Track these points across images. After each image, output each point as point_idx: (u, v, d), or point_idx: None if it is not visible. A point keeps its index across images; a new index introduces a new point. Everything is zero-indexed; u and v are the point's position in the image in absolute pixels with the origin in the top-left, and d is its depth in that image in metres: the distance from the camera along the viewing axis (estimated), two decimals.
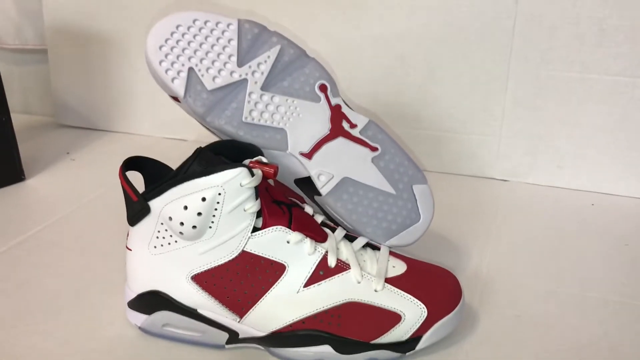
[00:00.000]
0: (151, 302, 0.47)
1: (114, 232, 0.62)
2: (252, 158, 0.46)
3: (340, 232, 0.49)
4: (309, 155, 0.51)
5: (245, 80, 0.49)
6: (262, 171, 0.45)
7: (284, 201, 0.48)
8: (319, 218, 0.49)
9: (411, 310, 0.46)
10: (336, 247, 0.47)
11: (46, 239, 0.64)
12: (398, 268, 0.48)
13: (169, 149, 0.84)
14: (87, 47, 0.91)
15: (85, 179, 0.79)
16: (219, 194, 0.43)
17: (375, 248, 0.50)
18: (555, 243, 0.65)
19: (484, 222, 0.69)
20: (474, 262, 0.60)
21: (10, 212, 0.70)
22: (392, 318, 0.45)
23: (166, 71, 0.48)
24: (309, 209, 0.50)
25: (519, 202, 0.74)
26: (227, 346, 0.48)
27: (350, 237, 0.50)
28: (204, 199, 0.43)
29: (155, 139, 0.91)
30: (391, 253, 0.50)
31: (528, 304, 0.54)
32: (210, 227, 0.44)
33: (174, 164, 0.48)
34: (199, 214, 0.43)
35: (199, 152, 0.46)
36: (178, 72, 0.48)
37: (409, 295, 0.46)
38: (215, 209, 0.44)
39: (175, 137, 0.91)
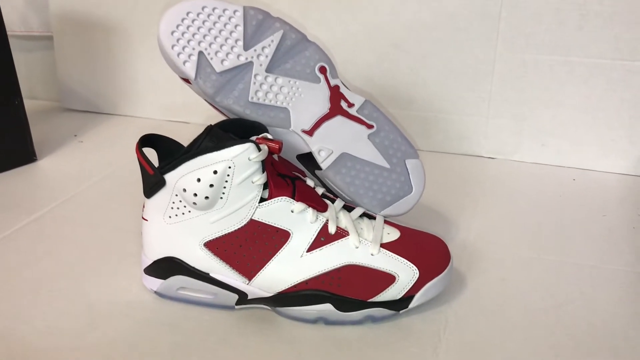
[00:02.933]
0: (166, 267, 0.51)
1: (125, 207, 0.66)
2: (259, 135, 0.49)
3: (339, 203, 0.52)
4: (310, 132, 0.54)
5: (251, 63, 0.52)
6: (268, 146, 0.48)
7: (288, 174, 0.51)
8: (320, 190, 0.53)
9: (404, 272, 0.49)
10: (336, 216, 0.50)
11: (61, 215, 0.67)
12: (392, 235, 0.51)
13: (172, 131, 0.84)
14: (91, 34, 0.93)
15: (94, 160, 0.81)
16: (229, 167, 0.46)
17: (371, 217, 0.53)
18: (538, 215, 0.68)
19: (472, 197, 0.72)
20: (462, 232, 0.64)
21: (25, 191, 0.72)
22: (387, 279, 0.49)
23: (178, 55, 0.51)
24: (310, 182, 0.53)
25: (505, 178, 0.77)
26: (236, 307, 0.51)
27: (348, 207, 0.53)
28: (215, 172, 0.46)
29: (158, 122, 0.94)
30: (386, 222, 0.53)
31: (511, 269, 0.58)
32: (221, 197, 0.47)
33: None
34: (211, 185, 0.47)
35: (209, 129, 0.49)
36: (189, 56, 0.51)
37: (402, 259, 0.49)
38: (226, 181, 0.47)
39: (177, 119, 0.93)
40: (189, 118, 0.93)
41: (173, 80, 0.58)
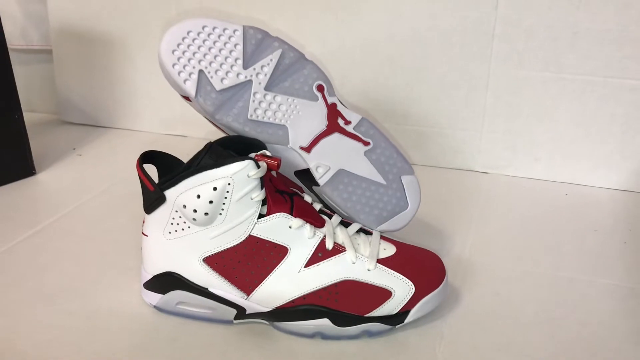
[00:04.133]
0: (166, 282, 0.51)
1: (124, 221, 0.66)
2: (257, 152, 0.50)
3: (336, 219, 0.53)
4: (308, 149, 0.54)
5: (250, 81, 0.53)
6: (267, 163, 0.49)
7: (286, 190, 0.52)
8: (317, 206, 0.53)
9: (400, 287, 0.50)
10: (333, 231, 0.51)
11: (61, 228, 0.66)
12: (388, 250, 0.52)
13: (170, 145, 0.84)
14: (90, 48, 0.92)
15: (93, 173, 0.80)
16: (229, 184, 0.47)
17: (368, 233, 0.54)
18: (531, 229, 0.69)
19: (466, 211, 0.72)
20: (457, 246, 0.64)
21: (25, 204, 0.72)
22: (383, 294, 0.49)
23: (179, 73, 0.51)
24: (308, 198, 0.53)
25: (498, 193, 0.77)
26: (235, 321, 0.51)
27: (345, 223, 0.54)
28: (215, 189, 0.47)
29: (157, 135, 0.94)
30: (382, 237, 0.54)
31: (505, 283, 0.58)
32: (220, 213, 0.48)
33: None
34: (211, 202, 0.47)
35: (209, 146, 0.50)
36: (189, 74, 0.51)
37: (398, 274, 0.50)
38: (225, 197, 0.47)
39: (175, 133, 0.93)
40: (187, 132, 0.93)
41: (172, 94, 0.57)
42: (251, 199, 0.48)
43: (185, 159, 0.51)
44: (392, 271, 0.50)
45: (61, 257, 0.61)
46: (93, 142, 0.91)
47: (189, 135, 0.93)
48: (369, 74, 0.82)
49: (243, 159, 0.47)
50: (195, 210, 0.48)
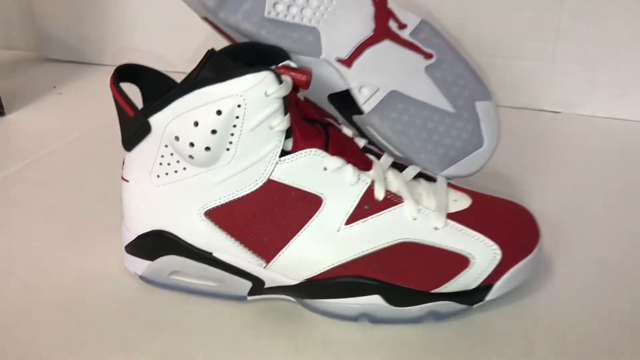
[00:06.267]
0: (155, 244, 0.41)
1: (108, 170, 0.55)
2: (278, 64, 0.39)
3: (386, 159, 0.42)
4: (347, 61, 0.44)
5: None
6: (292, 78, 0.38)
7: (319, 119, 0.40)
8: (361, 142, 0.42)
9: (481, 252, 0.38)
10: (384, 176, 0.40)
11: (28, 178, 0.59)
12: (461, 202, 0.41)
13: None
14: None
15: (73, 114, 0.73)
16: (239, 105, 0.36)
17: (430, 179, 0.43)
18: (623, 180, 0.58)
19: (539, 160, 0.62)
20: (536, 201, 0.53)
21: None
22: (458, 262, 0.38)
23: None
24: (347, 131, 0.42)
25: (574, 136, 0.68)
26: (249, 298, 0.42)
27: (399, 166, 0.43)
28: (219, 112, 0.36)
29: None
30: (449, 185, 0.42)
31: (609, 247, 0.48)
32: (227, 149, 0.37)
33: None
34: (214, 131, 0.36)
35: (210, 54, 0.39)
36: None
37: (478, 234, 0.39)
38: (234, 126, 0.36)
39: (173, 70, 0.84)
40: (188, 69, 0.83)
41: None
42: (270, 128, 0.37)
43: None
44: (469, 230, 0.39)
45: (24, 213, 0.52)
46: (77, 81, 0.83)
47: (188, 72, 0.83)
48: None
49: (258, 70, 0.36)
50: (192, 144, 0.37)
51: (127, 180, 0.41)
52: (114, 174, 0.49)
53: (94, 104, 0.73)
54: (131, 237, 0.42)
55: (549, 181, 0.57)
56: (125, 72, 0.41)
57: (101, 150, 0.62)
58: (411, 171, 0.42)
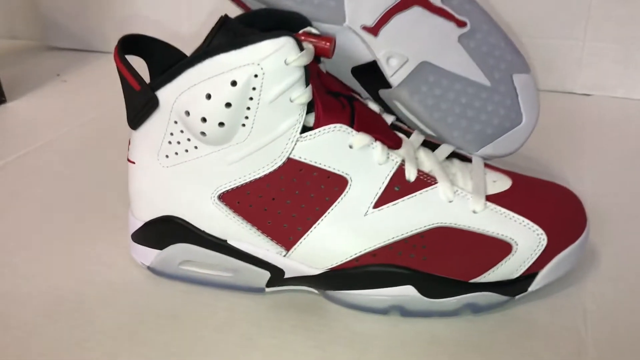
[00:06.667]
0: (164, 232, 0.39)
1: (111, 157, 0.55)
2: (298, 31, 0.36)
3: (417, 137, 0.39)
4: (374, 29, 0.41)
5: None
6: (314, 46, 0.34)
7: (343, 92, 0.37)
8: (389, 118, 0.39)
9: (525, 238, 0.35)
10: (415, 155, 0.37)
11: (29, 165, 0.57)
12: (500, 183, 0.37)
13: None
14: None
15: (77, 101, 0.72)
16: (256, 75, 0.32)
17: (465, 158, 0.40)
18: None
19: (571, 144, 0.59)
20: (572, 186, 0.49)
21: None
22: (499, 248, 0.35)
23: None
24: (374, 106, 0.39)
25: (606, 121, 0.65)
26: (267, 289, 0.39)
27: (430, 144, 0.39)
28: (234, 83, 0.33)
29: None
30: (486, 165, 0.39)
31: None
32: (243, 124, 0.34)
33: None
34: (228, 105, 0.33)
35: (224, 21, 0.36)
36: None
37: (522, 217, 0.35)
38: (251, 98, 0.33)
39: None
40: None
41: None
42: (290, 100, 0.34)
43: None
44: (512, 213, 0.35)
45: (26, 201, 0.50)
46: (82, 68, 0.82)
47: None
48: None
49: (277, 35, 0.33)
50: (204, 119, 0.34)
51: (133, 162, 0.38)
52: (119, 162, 0.46)
53: (97, 91, 0.73)
54: (138, 224, 0.39)
55: (585, 165, 0.54)
56: (131, 44, 0.38)
57: (105, 138, 0.61)
58: (444, 150, 0.39)
